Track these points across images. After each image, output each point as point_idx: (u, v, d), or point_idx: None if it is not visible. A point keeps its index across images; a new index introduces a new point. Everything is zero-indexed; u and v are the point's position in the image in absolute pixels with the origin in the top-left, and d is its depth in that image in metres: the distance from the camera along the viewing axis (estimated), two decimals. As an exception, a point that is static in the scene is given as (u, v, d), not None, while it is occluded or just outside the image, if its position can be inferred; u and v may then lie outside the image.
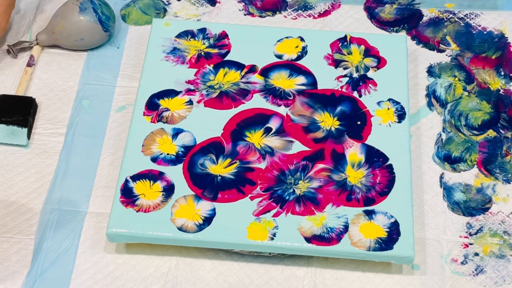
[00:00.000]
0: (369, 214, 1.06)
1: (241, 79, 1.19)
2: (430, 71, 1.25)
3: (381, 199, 1.07)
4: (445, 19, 1.31)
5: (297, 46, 1.23)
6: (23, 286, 1.04)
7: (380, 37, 1.25)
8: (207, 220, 1.05)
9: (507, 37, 1.29)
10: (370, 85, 1.18)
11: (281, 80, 1.19)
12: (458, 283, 1.06)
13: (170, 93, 1.17)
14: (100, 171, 1.14)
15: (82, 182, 1.13)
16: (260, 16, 1.32)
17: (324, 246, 1.04)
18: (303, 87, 1.18)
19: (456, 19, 1.31)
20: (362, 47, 1.23)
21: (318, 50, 1.22)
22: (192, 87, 1.18)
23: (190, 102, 1.16)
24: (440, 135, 1.18)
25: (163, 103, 1.16)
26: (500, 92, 1.23)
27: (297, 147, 1.12)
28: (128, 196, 1.07)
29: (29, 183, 1.13)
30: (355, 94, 1.17)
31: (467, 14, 1.31)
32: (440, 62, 1.26)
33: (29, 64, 1.24)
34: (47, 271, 1.05)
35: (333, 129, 1.14)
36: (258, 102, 1.16)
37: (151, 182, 1.08)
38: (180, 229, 1.04)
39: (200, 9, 1.32)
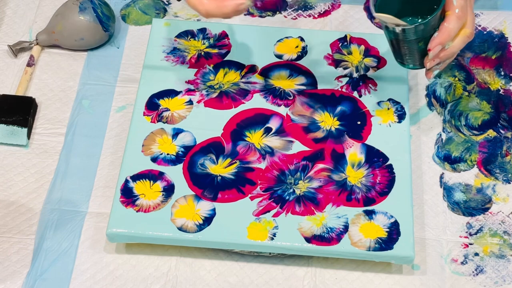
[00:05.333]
0: (369, 214, 1.06)
1: (241, 79, 1.19)
2: (430, 71, 1.25)
3: (381, 199, 1.07)
4: (445, 19, 1.31)
5: (297, 46, 1.23)
6: (23, 286, 1.04)
7: (380, 37, 1.24)
8: (207, 220, 1.05)
9: (507, 37, 1.29)
10: (370, 85, 1.19)
11: (281, 80, 1.19)
12: (458, 283, 1.06)
13: (170, 93, 1.17)
14: (100, 171, 1.14)
15: (82, 182, 1.13)
16: (260, 16, 1.32)
17: (324, 246, 1.04)
18: (303, 87, 1.18)
19: (456, 19, 1.31)
20: (362, 47, 1.23)
21: (318, 50, 1.22)
22: (192, 87, 1.18)
23: (190, 102, 1.16)
24: (440, 135, 1.18)
25: (163, 103, 1.16)
26: (500, 92, 1.23)
27: (297, 147, 1.12)
28: (128, 196, 1.07)
29: (29, 183, 1.13)
30: (355, 94, 1.17)
31: (467, 14, 1.31)
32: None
33: (29, 64, 1.24)
34: (47, 271, 1.05)
35: (333, 129, 1.14)
36: (258, 102, 1.17)
37: (151, 182, 1.08)
38: (180, 229, 1.04)
39: (200, 9, 1.32)
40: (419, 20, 1.07)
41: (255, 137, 1.13)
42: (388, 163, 1.11)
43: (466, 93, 1.22)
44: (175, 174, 1.09)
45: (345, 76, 1.19)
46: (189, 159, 1.11)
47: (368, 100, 1.17)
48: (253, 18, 1.31)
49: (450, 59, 1.07)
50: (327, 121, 1.15)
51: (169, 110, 1.15)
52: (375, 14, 1.04)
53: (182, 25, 1.25)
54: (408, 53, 1.07)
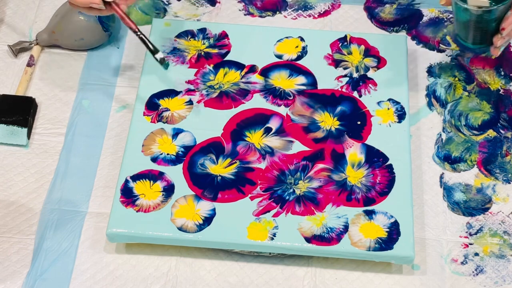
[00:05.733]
0: (369, 214, 1.06)
1: (241, 79, 1.19)
2: (430, 71, 1.25)
3: (381, 199, 1.07)
4: (445, 19, 1.31)
5: (297, 46, 1.23)
6: (23, 286, 1.04)
7: (380, 37, 1.25)
8: (207, 220, 1.05)
9: (507, 37, 1.29)
10: (370, 85, 1.19)
11: (281, 80, 1.19)
12: (458, 283, 1.06)
13: (170, 93, 1.17)
14: (100, 171, 1.14)
15: (82, 182, 1.13)
16: (260, 16, 1.32)
17: (324, 246, 1.04)
18: (303, 87, 1.18)
19: (456, 19, 1.31)
20: (362, 47, 1.23)
21: (318, 50, 1.22)
22: (192, 87, 1.18)
23: (190, 102, 1.16)
24: (440, 135, 1.18)
25: (163, 103, 1.16)
26: (500, 92, 1.23)
27: (297, 147, 1.12)
28: (128, 196, 1.07)
29: (29, 183, 1.13)
30: (355, 94, 1.17)
31: (467, 14, 1.31)
32: (440, 62, 1.26)
33: (29, 64, 1.24)
34: (47, 271, 1.05)
35: (333, 129, 1.14)
36: (258, 102, 1.17)
37: (151, 182, 1.08)
38: (180, 229, 1.04)
39: (200, 9, 1.32)
40: (492, 2, 1.10)
41: (255, 137, 1.13)
42: (388, 163, 1.11)
43: (466, 93, 1.22)
44: (175, 174, 1.09)
45: (345, 76, 1.19)
46: (189, 159, 1.11)
47: (368, 100, 1.17)
48: (253, 18, 1.31)
49: None
50: (327, 121, 1.15)
51: (169, 110, 1.15)
52: None
53: (182, 25, 1.25)
54: (480, 33, 1.11)
